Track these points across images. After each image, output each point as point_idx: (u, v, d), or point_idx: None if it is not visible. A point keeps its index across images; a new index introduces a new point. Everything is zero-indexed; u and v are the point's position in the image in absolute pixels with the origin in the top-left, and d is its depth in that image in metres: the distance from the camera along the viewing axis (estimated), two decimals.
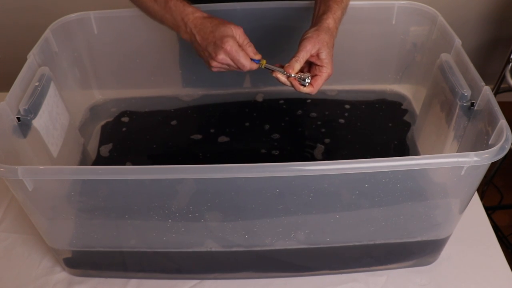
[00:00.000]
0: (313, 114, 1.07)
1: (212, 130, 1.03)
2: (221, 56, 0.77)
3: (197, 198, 0.69)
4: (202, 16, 0.80)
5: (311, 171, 0.62)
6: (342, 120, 1.05)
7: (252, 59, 0.80)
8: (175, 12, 0.81)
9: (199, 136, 1.02)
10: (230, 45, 0.76)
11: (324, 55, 0.78)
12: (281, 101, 1.10)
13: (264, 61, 0.81)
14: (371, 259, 0.82)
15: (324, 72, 0.79)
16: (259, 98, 1.12)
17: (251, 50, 0.80)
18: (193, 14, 0.80)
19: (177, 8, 0.80)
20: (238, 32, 0.78)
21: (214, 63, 0.79)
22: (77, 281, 0.82)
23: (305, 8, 0.99)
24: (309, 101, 1.10)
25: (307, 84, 0.79)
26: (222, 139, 1.01)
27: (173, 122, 1.06)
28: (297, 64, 0.78)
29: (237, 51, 0.77)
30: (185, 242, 0.77)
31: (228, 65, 0.79)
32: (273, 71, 0.80)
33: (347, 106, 1.09)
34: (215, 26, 0.78)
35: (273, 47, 1.07)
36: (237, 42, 0.78)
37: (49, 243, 0.78)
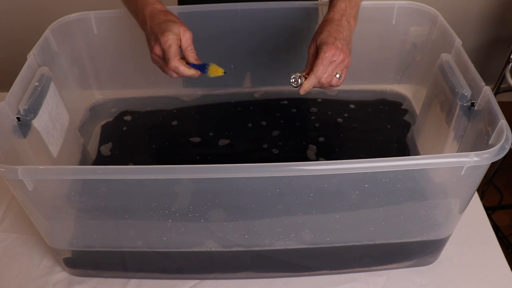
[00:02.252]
0: (313, 114, 1.07)
1: (212, 131, 1.03)
2: (156, 48, 0.77)
3: (197, 198, 0.69)
4: (160, 9, 0.80)
5: (311, 171, 0.62)
6: (342, 120, 1.05)
7: (197, 67, 0.79)
8: (139, 3, 0.82)
9: (199, 138, 1.02)
10: (167, 39, 0.75)
11: (318, 60, 0.76)
12: (281, 101, 1.10)
13: (214, 67, 0.78)
14: (371, 259, 0.82)
15: (311, 75, 0.76)
16: (259, 98, 1.12)
17: (192, 56, 0.79)
18: (152, 5, 0.80)
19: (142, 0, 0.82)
20: (186, 35, 0.78)
21: (151, 54, 0.79)
22: (77, 281, 0.82)
23: (306, 8, 0.99)
24: (309, 101, 1.10)
25: (298, 85, 0.77)
26: (222, 139, 1.01)
27: (174, 122, 1.06)
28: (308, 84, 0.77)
29: (170, 46, 0.76)
30: (185, 242, 0.77)
31: (162, 59, 0.78)
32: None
33: (347, 106, 1.09)
34: (166, 21, 0.78)
35: (273, 47, 1.07)
36: (178, 42, 0.77)
37: (49, 243, 0.78)
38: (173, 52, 0.76)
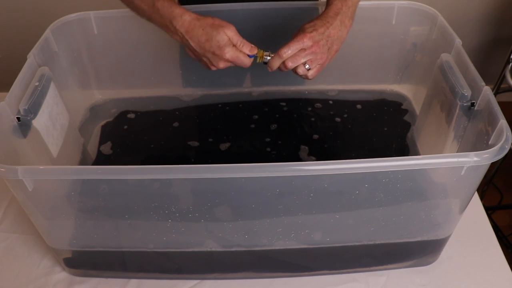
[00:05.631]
0: (313, 114, 1.07)
1: (212, 132, 1.03)
2: (222, 65, 0.79)
3: (197, 198, 0.69)
4: (191, 18, 0.78)
5: (311, 171, 0.62)
6: (342, 120, 1.05)
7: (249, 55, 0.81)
8: (163, 13, 0.79)
9: (198, 138, 1.02)
10: (230, 54, 0.78)
11: (288, 43, 0.78)
12: (282, 101, 1.10)
13: (261, 52, 0.81)
14: (371, 259, 0.82)
15: (276, 53, 0.79)
16: (259, 98, 1.12)
17: (246, 48, 0.80)
18: (182, 17, 0.78)
19: (164, 8, 0.79)
20: (231, 34, 0.78)
21: (214, 68, 0.81)
22: (77, 281, 0.82)
23: (306, 8, 0.99)
24: (309, 101, 1.10)
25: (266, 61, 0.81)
26: (223, 139, 1.01)
27: (173, 122, 1.06)
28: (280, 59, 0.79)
29: (238, 56, 0.79)
30: (185, 242, 0.77)
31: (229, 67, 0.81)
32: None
33: (347, 106, 1.09)
34: (209, 33, 0.77)
35: (273, 47, 1.07)
36: (234, 46, 0.79)
37: (49, 243, 0.78)
38: (243, 57, 0.79)
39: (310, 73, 0.81)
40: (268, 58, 0.81)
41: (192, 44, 0.79)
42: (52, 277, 0.83)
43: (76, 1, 1.38)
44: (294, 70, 0.81)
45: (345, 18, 0.81)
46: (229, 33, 0.78)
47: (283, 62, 0.80)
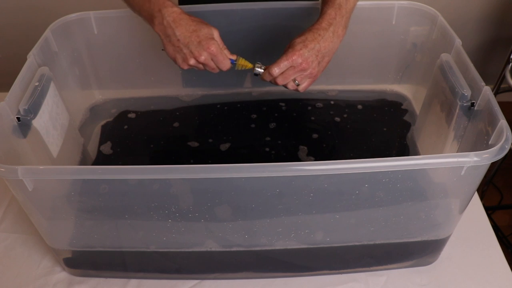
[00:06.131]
0: (313, 114, 1.07)
1: (212, 131, 1.03)
2: (204, 57, 0.79)
3: (197, 198, 0.69)
4: (181, 11, 0.80)
5: (311, 171, 0.62)
6: (342, 120, 1.05)
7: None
8: (153, 2, 0.80)
9: (198, 139, 1.02)
10: (215, 47, 0.78)
11: (278, 60, 0.80)
12: (281, 101, 1.10)
13: (241, 60, 0.84)
14: (371, 259, 0.82)
15: (266, 70, 0.82)
16: (259, 98, 1.12)
17: (226, 51, 0.83)
18: (172, 8, 0.80)
19: None
20: (216, 34, 0.80)
21: (192, 61, 0.80)
22: (77, 281, 0.82)
23: (305, 8, 0.99)
24: (309, 101, 1.10)
25: (258, 73, 0.84)
26: (223, 139, 1.01)
27: (173, 122, 1.06)
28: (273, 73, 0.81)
29: (221, 53, 0.80)
30: (185, 242, 0.77)
31: (205, 65, 0.81)
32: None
33: (347, 106, 1.09)
34: (198, 26, 0.79)
35: (273, 47, 1.07)
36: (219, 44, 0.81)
37: (49, 243, 0.78)
38: (224, 57, 0.81)
39: (300, 88, 0.84)
40: (259, 70, 0.84)
41: (177, 32, 0.78)
42: (52, 277, 0.83)
43: (76, 1, 1.38)
44: (285, 85, 0.83)
45: (339, 28, 0.81)
46: (215, 32, 0.80)
47: (274, 79, 0.82)
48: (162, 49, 0.82)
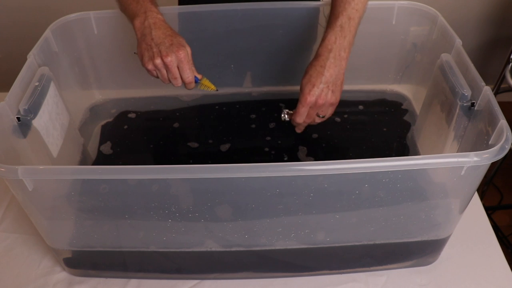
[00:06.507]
0: None
1: (212, 131, 1.03)
2: (170, 59, 0.79)
3: (197, 198, 0.69)
4: (164, 20, 0.83)
5: (311, 171, 0.62)
6: (342, 120, 1.05)
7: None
8: (141, 4, 0.83)
9: (198, 139, 1.02)
10: (184, 55, 0.80)
11: (296, 109, 0.84)
12: (281, 101, 1.10)
13: (205, 80, 0.86)
14: (371, 259, 0.82)
15: (292, 121, 0.88)
16: (259, 98, 1.12)
17: (194, 68, 0.84)
18: (157, 14, 0.82)
19: (145, 2, 0.83)
20: (189, 49, 0.82)
21: (158, 61, 0.80)
22: (77, 281, 0.82)
23: (305, 9, 0.99)
24: None
25: (286, 120, 0.90)
26: (223, 140, 1.01)
27: (173, 122, 1.06)
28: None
29: (188, 62, 0.81)
30: (185, 242, 0.77)
31: (167, 69, 0.81)
32: None
33: (347, 106, 1.09)
34: (175, 34, 0.81)
35: (273, 47, 1.07)
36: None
37: (49, 243, 0.78)
38: (189, 68, 0.82)
39: (326, 116, 0.87)
40: (286, 116, 0.90)
41: (153, 32, 0.80)
42: (52, 277, 0.83)
43: (76, 1, 1.38)
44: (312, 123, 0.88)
45: (340, 51, 0.80)
46: (188, 48, 0.82)
47: (302, 124, 0.88)
48: (135, 52, 0.83)
